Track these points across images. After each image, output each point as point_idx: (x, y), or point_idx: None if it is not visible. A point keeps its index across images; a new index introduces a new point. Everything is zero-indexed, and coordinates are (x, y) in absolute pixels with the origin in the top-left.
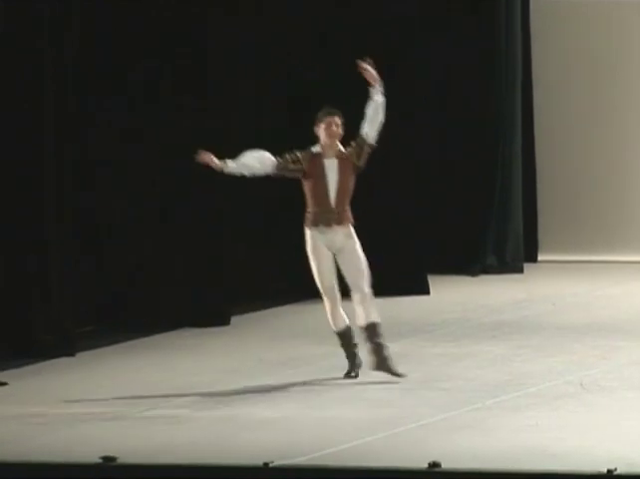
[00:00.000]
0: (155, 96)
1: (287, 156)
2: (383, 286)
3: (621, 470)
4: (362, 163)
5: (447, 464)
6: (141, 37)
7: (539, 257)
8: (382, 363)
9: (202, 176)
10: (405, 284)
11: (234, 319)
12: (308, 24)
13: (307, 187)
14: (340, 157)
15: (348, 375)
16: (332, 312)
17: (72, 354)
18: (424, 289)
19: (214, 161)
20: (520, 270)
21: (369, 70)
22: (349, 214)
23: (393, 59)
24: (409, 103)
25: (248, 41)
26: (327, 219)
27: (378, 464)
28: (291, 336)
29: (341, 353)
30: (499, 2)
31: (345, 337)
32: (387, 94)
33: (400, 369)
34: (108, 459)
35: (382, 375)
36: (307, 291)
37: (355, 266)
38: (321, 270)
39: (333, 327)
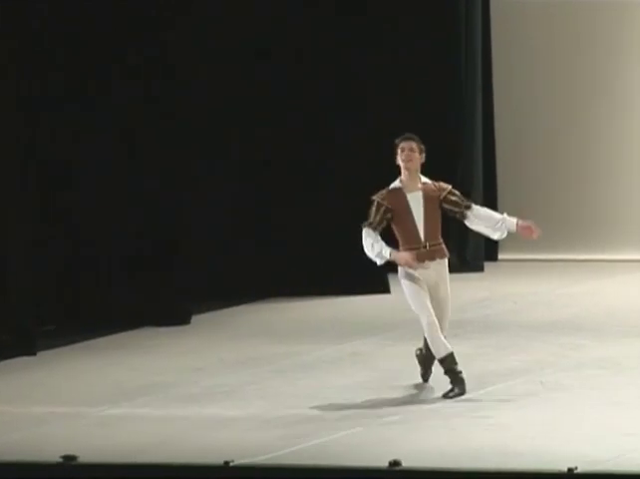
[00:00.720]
0: (110, 89)
1: (373, 213)
2: (344, 285)
3: (582, 469)
4: (445, 208)
5: (407, 463)
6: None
7: (499, 256)
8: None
9: (160, 174)
10: (365, 283)
11: (194, 319)
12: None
13: (395, 225)
14: (424, 189)
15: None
16: (433, 339)
17: (32, 354)
18: (384, 288)
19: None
20: (481, 269)
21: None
22: (441, 248)
23: (346, 58)
24: (363, 103)
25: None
26: (420, 256)
27: (339, 463)
28: (251, 335)
29: (300, 351)
30: (459, 2)
31: (447, 363)
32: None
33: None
34: (68, 458)
35: (342, 374)
36: (266, 290)
37: (442, 309)
38: (419, 302)
39: (435, 354)
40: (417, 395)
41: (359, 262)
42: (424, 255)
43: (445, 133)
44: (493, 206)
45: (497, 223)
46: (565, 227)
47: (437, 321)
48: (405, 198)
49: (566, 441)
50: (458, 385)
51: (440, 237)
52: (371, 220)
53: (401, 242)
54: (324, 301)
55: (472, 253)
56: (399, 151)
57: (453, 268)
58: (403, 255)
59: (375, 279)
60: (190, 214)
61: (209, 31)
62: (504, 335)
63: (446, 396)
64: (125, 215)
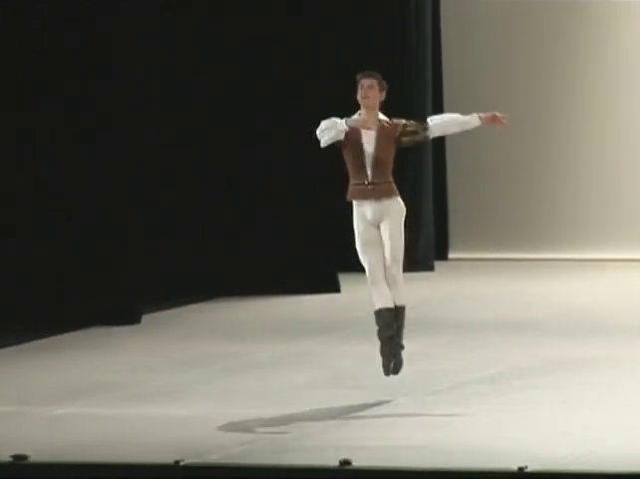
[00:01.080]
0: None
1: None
2: (294, 285)
3: (532, 468)
4: (405, 143)
5: (358, 462)
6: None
7: (450, 255)
8: (385, 353)
9: (107, 173)
10: (316, 283)
11: (145, 318)
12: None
13: (345, 157)
14: (380, 126)
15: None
16: (372, 288)
17: None
18: (334, 287)
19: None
20: (431, 268)
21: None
22: (389, 186)
23: (297, 59)
24: (312, 104)
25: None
26: (364, 192)
27: (289, 462)
28: (201, 335)
29: (251, 351)
30: (409, 2)
31: (381, 319)
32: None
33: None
34: (19, 458)
35: (292, 374)
36: (216, 290)
37: (389, 247)
38: (361, 243)
39: (374, 305)
40: (367, 395)
41: (309, 262)
42: (369, 193)
43: None
44: (443, 204)
45: (460, 119)
46: (515, 226)
47: (378, 272)
48: (359, 132)
49: (517, 440)
50: (393, 352)
51: (389, 176)
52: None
53: (350, 176)
54: (274, 301)
55: (422, 253)
56: (359, 87)
57: (403, 268)
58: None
59: (325, 279)
60: (142, 213)
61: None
62: (454, 335)
63: (388, 372)
64: (75, 213)
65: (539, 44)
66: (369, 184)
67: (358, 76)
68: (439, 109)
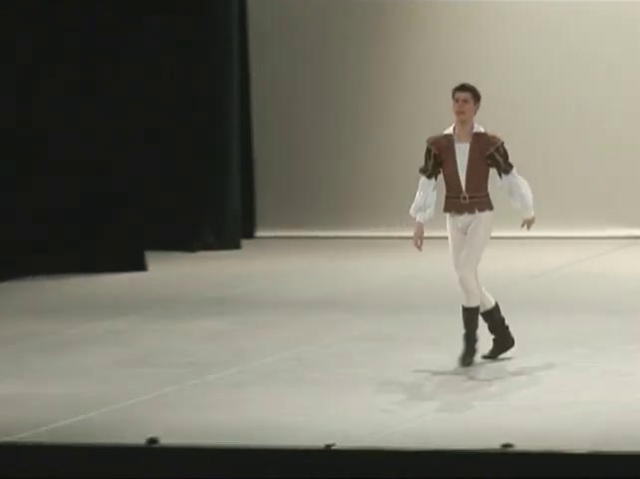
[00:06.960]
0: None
1: (425, 158)
2: (102, 263)
3: (340, 445)
4: (490, 163)
5: (165, 440)
6: None
7: (257, 234)
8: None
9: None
10: (120, 260)
11: None
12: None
13: (442, 170)
14: (474, 141)
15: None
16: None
17: None
18: (140, 266)
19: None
20: (238, 246)
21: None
22: (482, 199)
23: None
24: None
25: None
26: (458, 205)
27: (98, 440)
28: (10, 313)
29: (59, 330)
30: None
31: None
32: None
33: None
34: None
35: (101, 352)
36: (25, 268)
37: (465, 252)
38: (452, 250)
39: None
40: (177, 373)
41: (113, 238)
42: (462, 207)
43: (196, 117)
44: (250, 184)
45: (517, 200)
46: (323, 204)
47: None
48: (453, 146)
49: (324, 418)
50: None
51: (484, 189)
52: (423, 166)
53: (446, 188)
54: (81, 280)
55: (228, 230)
56: (454, 101)
57: (209, 246)
58: (413, 234)
59: (132, 257)
60: None
61: None
62: (262, 312)
63: (462, 364)
64: None
65: (345, 39)
66: (463, 198)
67: (453, 89)
68: (245, 87)
